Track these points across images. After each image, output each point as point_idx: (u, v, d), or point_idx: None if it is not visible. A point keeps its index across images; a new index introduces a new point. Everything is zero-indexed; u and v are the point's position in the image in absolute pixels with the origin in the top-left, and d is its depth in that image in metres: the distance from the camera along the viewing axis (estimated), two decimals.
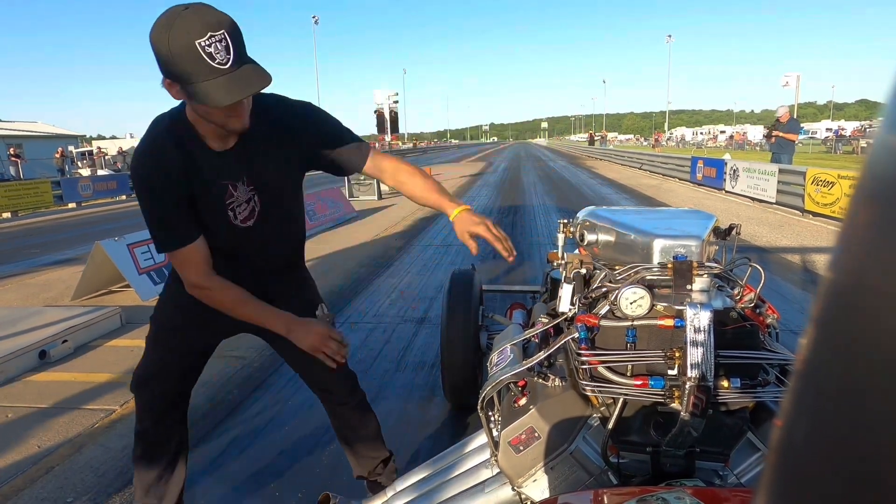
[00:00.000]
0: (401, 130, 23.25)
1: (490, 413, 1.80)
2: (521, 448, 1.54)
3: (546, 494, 1.51)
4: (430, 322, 4.51)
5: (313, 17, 40.17)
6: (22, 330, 4.06)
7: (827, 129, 51.48)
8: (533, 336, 1.94)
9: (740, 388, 1.42)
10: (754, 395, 1.44)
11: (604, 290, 1.71)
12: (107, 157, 30.99)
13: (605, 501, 1.03)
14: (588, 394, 1.52)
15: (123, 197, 17.41)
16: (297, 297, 1.82)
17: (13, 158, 23.53)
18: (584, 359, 1.50)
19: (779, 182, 10.38)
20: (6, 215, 13.68)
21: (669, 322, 1.46)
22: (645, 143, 70.71)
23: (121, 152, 31.96)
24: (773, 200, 10.55)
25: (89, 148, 35.78)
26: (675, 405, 1.42)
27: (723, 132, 64.65)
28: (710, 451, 1.48)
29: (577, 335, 1.55)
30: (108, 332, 4.40)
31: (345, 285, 5.80)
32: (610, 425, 1.46)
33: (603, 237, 2.05)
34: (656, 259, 1.73)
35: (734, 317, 1.55)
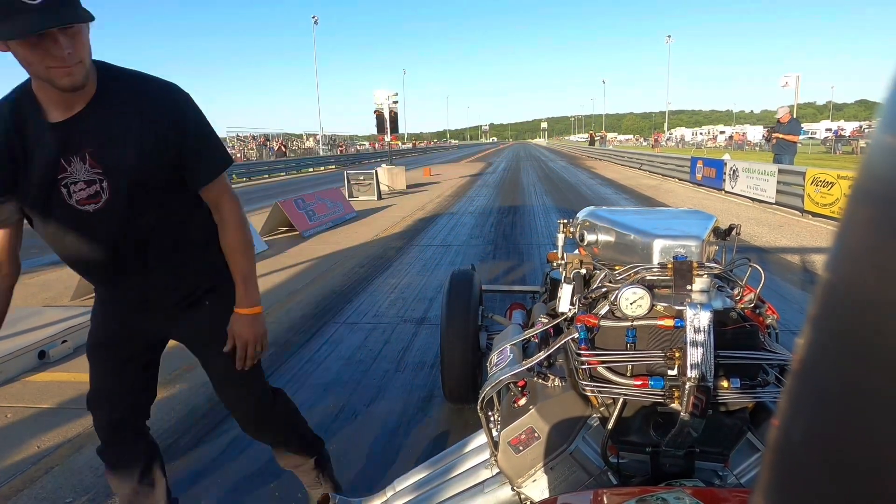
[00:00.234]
0: (400, 130, 23.27)
1: (490, 413, 1.80)
2: (521, 448, 1.54)
3: (546, 495, 1.51)
4: (430, 322, 4.51)
5: (313, 18, 40.20)
6: (21, 330, 4.06)
7: (826, 130, 51.53)
8: (533, 336, 1.94)
9: (740, 388, 1.42)
10: (754, 395, 1.44)
11: (604, 290, 1.71)
12: None
13: (605, 502, 1.03)
14: (588, 394, 1.52)
15: None
16: (178, 291, 1.69)
17: None
18: (583, 359, 1.50)
19: (778, 182, 10.39)
20: None
21: (669, 322, 1.46)
22: (644, 144, 70.73)
23: None
24: (773, 201, 10.55)
25: None
26: (675, 405, 1.42)
27: (722, 132, 64.68)
28: (710, 452, 1.48)
29: (576, 335, 1.55)
30: None
31: (344, 285, 5.80)
32: (610, 425, 1.47)
33: (603, 237, 2.05)
34: (656, 259, 1.73)
35: (734, 317, 1.55)
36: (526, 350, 1.96)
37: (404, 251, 7.48)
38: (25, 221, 1.61)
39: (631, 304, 1.51)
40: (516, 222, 9.67)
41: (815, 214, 9.07)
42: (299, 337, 4.29)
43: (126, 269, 1.59)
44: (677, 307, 1.49)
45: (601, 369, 1.49)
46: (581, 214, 2.40)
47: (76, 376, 3.65)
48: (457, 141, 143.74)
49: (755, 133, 52.57)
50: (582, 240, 2.13)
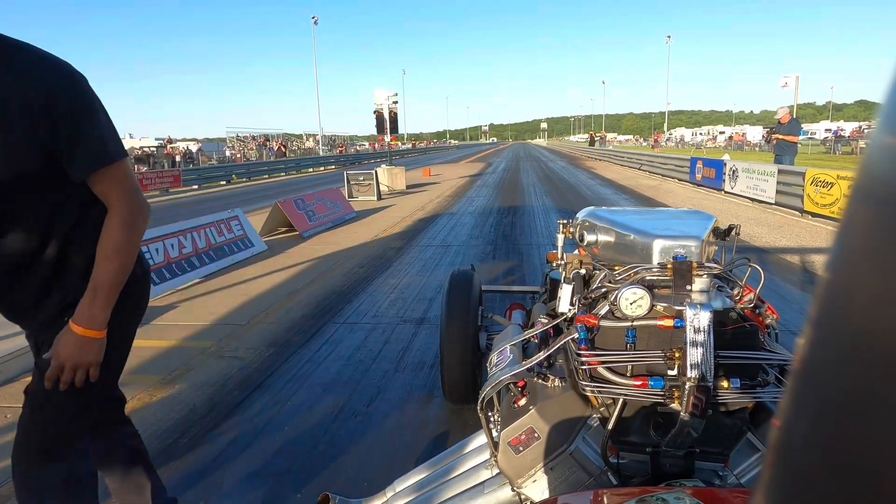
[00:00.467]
0: (400, 131, 23.25)
1: (490, 413, 1.80)
2: (521, 448, 1.54)
3: (546, 495, 1.51)
4: (430, 322, 4.51)
5: (313, 18, 40.20)
6: (21, 330, 4.05)
7: (826, 130, 51.55)
8: (532, 336, 1.94)
9: (740, 388, 1.42)
10: (754, 395, 1.44)
11: (603, 290, 1.72)
12: None
13: (605, 502, 1.03)
14: (588, 394, 1.52)
15: None
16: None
17: None
18: (583, 359, 1.51)
19: (778, 183, 10.39)
20: None
21: (669, 322, 1.46)
22: (644, 144, 70.76)
23: None
24: (773, 201, 10.55)
25: None
26: (675, 405, 1.42)
27: (722, 133, 64.68)
28: (710, 452, 1.48)
29: (576, 335, 1.55)
30: None
31: (344, 285, 5.80)
32: (610, 426, 1.47)
33: (602, 237, 2.05)
34: (656, 259, 1.73)
35: (734, 317, 1.55)
36: (526, 350, 1.96)
37: (404, 251, 7.48)
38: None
39: (631, 304, 1.51)
40: (516, 223, 9.67)
41: (814, 215, 9.08)
42: (299, 337, 4.29)
43: None
44: (677, 307, 1.49)
45: (601, 369, 1.49)
46: (581, 215, 2.40)
47: None
48: (456, 141, 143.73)
49: (755, 133, 52.58)
50: (582, 240, 2.14)
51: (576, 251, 2.41)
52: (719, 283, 1.74)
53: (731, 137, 55.56)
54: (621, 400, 1.46)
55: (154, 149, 33.30)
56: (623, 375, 1.48)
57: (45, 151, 1.31)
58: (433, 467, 1.99)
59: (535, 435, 1.54)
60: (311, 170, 30.59)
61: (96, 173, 1.38)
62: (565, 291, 1.98)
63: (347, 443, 2.78)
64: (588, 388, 1.49)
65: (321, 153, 40.42)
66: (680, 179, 16.77)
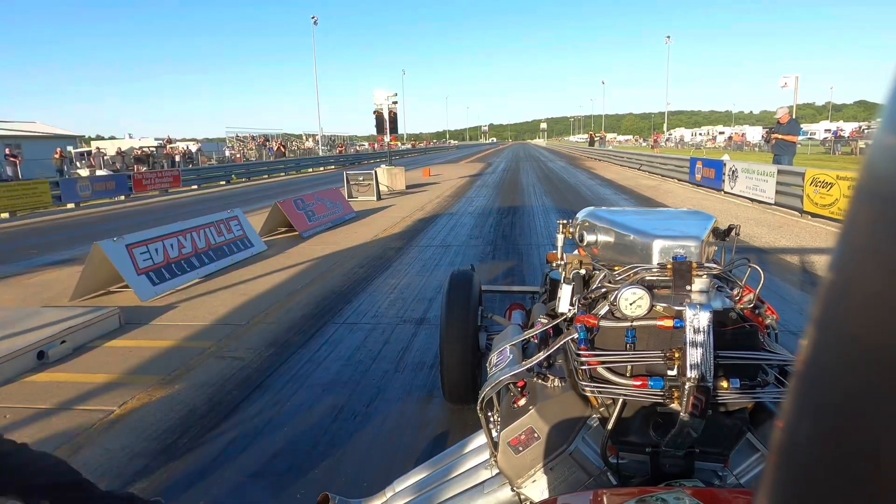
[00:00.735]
0: (400, 131, 23.24)
1: (489, 413, 1.80)
2: (521, 449, 1.54)
3: (545, 495, 1.51)
4: (430, 323, 4.51)
5: (312, 18, 40.19)
6: (20, 330, 4.05)
7: (826, 130, 51.55)
8: (532, 337, 1.94)
9: (740, 388, 1.42)
10: (754, 395, 1.44)
11: (603, 290, 1.72)
12: (105, 158, 30.97)
13: (605, 502, 1.03)
14: (587, 394, 1.52)
15: (122, 197, 17.42)
16: None
17: (11, 159, 23.51)
18: (583, 359, 1.51)
19: (778, 183, 10.39)
20: (4, 216, 13.67)
21: (669, 322, 1.46)
22: (644, 144, 70.79)
23: (119, 153, 31.97)
24: (772, 201, 10.56)
25: (88, 148, 35.76)
26: (675, 406, 1.42)
27: (721, 133, 64.66)
28: (710, 452, 1.48)
29: (576, 336, 1.55)
30: (107, 333, 4.39)
31: (344, 286, 5.80)
32: (609, 426, 1.47)
33: (602, 238, 2.05)
34: (655, 260, 1.73)
35: (733, 317, 1.55)
36: (525, 350, 1.96)
37: (404, 252, 7.48)
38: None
39: (630, 304, 1.51)
40: (516, 223, 9.68)
41: (814, 215, 9.08)
42: (299, 337, 4.29)
43: None
44: (677, 307, 1.49)
45: (601, 370, 1.49)
46: (580, 215, 2.40)
47: (75, 377, 3.64)
48: (456, 141, 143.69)
49: (754, 134, 52.59)
50: (581, 240, 2.14)
51: (576, 251, 2.41)
52: (719, 283, 1.74)
53: (730, 138, 55.57)
54: (621, 400, 1.46)
55: (154, 149, 33.30)
56: (623, 375, 1.48)
57: None
58: (433, 467, 1.99)
59: (535, 435, 1.54)
60: (310, 170, 30.59)
61: None
62: (565, 291, 1.98)
63: (347, 443, 2.78)
64: (588, 389, 1.49)
65: (321, 153, 40.43)
66: (679, 180, 16.77)
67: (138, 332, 4.41)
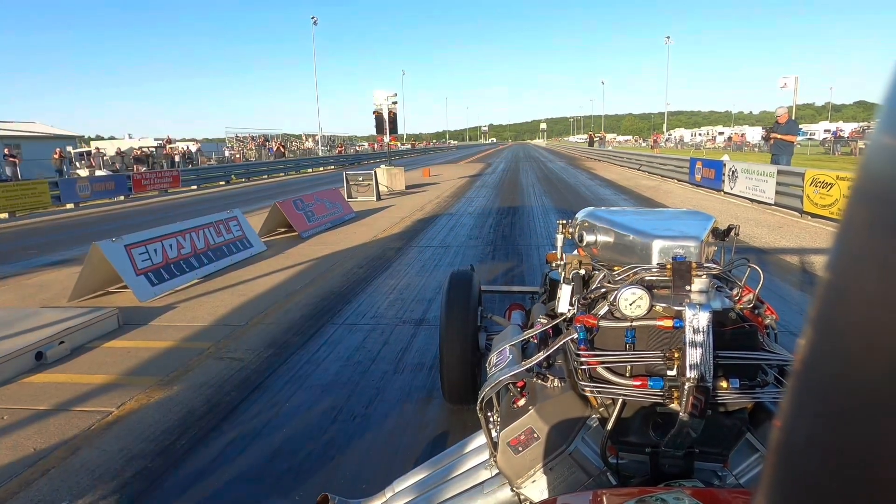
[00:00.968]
0: (399, 131, 23.23)
1: (489, 414, 1.80)
2: (521, 449, 1.54)
3: (545, 495, 1.51)
4: (429, 323, 4.51)
5: (312, 18, 40.19)
6: (18, 331, 4.05)
7: (825, 131, 51.59)
8: (532, 337, 1.94)
9: (739, 388, 1.42)
10: (753, 395, 1.44)
11: (603, 290, 1.72)
12: (105, 158, 30.98)
13: (605, 502, 1.03)
14: (587, 394, 1.52)
15: (122, 197, 17.41)
16: None
17: (10, 159, 23.50)
18: (583, 359, 1.50)
19: (777, 183, 10.40)
20: (4, 216, 13.66)
21: (668, 323, 1.46)
22: (643, 145, 70.79)
23: (119, 153, 31.98)
24: (772, 202, 10.56)
25: (87, 148, 35.77)
26: (674, 406, 1.42)
27: (721, 133, 64.71)
28: (709, 452, 1.48)
29: (576, 336, 1.55)
30: (106, 334, 4.39)
31: (343, 286, 5.80)
32: (609, 426, 1.46)
33: (602, 238, 2.05)
34: (655, 260, 1.73)
35: (733, 318, 1.55)
36: (525, 351, 1.96)
37: (403, 252, 7.48)
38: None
39: (630, 304, 1.51)
40: (515, 223, 9.67)
41: (814, 215, 9.09)
42: (298, 338, 4.29)
43: None
44: (676, 308, 1.49)
45: (600, 370, 1.49)
46: (580, 215, 2.40)
47: (73, 378, 3.64)
48: (455, 142, 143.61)
49: (754, 134, 52.60)
50: (581, 240, 2.14)
51: (575, 251, 2.41)
52: (718, 283, 1.74)
53: (730, 138, 55.62)
54: (620, 400, 1.46)
55: (153, 149, 33.29)
56: (622, 376, 1.48)
57: None
58: (432, 467, 1.99)
59: (535, 435, 1.54)
60: (310, 170, 30.59)
61: None
62: (565, 292, 1.98)
63: (346, 445, 2.78)
64: (587, 389, 1.49)
65: (320, 153, 40.43)
66: (679, 180, 16.78)
67: (137, 333, 4.41)
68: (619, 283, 1.63)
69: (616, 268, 1.83)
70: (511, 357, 1.82)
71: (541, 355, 1.67)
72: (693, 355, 1.39)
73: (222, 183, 22.89)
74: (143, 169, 24.58)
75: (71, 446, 2.82)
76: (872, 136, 0.24)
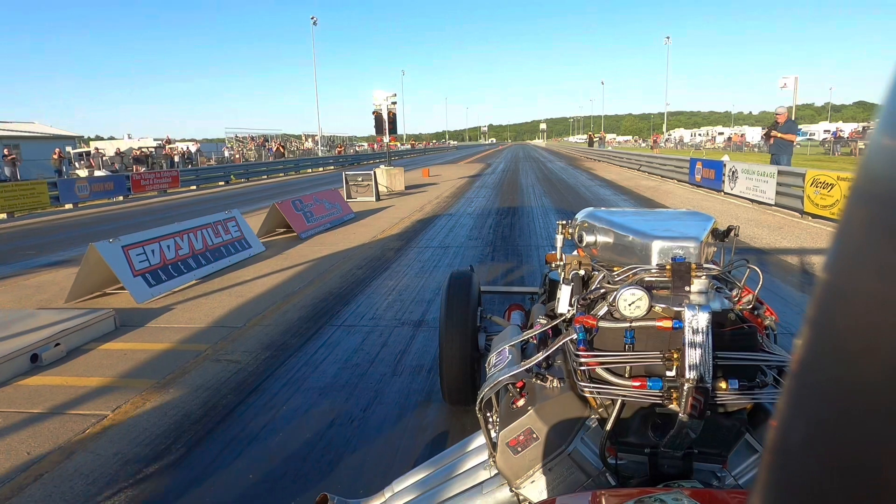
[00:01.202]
0: (399, 132, 23.26)
1: (488, 414, 1.79)
2: (520, 449, 1.54)
3: (544, 495, 1.50)
4: (428, 325, 4.51)
5: (312, 19, 40.23)
6: (14, 333, 4.04)
7: (825, 131, 51.68)
8: (531, 337, 1.93)
9: (738, 389, 1.42)
10: (752, 396, 1.44)
11: (602, 291, 1.71)
12: (104, 158, 30.98)
13: (604, 503, 1.03)
14: (586, 395, 1.51)
15: (121, 198, 17.41)
16: None
17: (9, 159, 23.51)
18: (582, 360, 1.50)
19: (778, 184, 10.41)
20: (2, 216, 13.66)
21: (668, 323, 1.46)
22: (643, 145, 70.87)
23: (118, 153, 31.98)
24: (772, 202, 10.57)
25: (87, 149, 35.76)
26: (674, 406, 1.41)
27: (721, 134, 64.81)
28: (708, 453, 1.48)
29: (575, 336, 1.55)
30: (102, 335, 4.38)
31: (342, 287, 5.79)
32: (608, 426, 1.46)
33: (601, 238, 2.05)
34: (655, 260, 1.73)
35: (732, 318, 1.55)
36: (524, 351, 1.96)
37: (403, 253, 7.48)
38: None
39: (629, 305, 1.51)
40: (515, 224, 9.68)
41: (814, 216, 9.09)
42: (296, 340, 4.28)
43: None
44: (676, 308, 1.49)
45: (600, 370, 1.49)
46: (580, 215, 2.40)
47: (69, 380, 3.63)
48: (455, 142, 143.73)
49: (754, 134, 52.69)
50: (581, 241, 2.14)
51: (575, 252, 2.41)
52: (718, 284, 1.73)
53: (730, 138, 55.71)
54: (620, 401, 1.46)
55: (153, 149, 33.30)
56: (621, 376, 1.48)
57: None
58: (432, 468, 1.99)
59: (534, 436, 1.53)
60: (309, 170, 30.60)
61: None
62: (564, 292, 1.98)
63: (344, 448, 2.77)
64: (587, 389, 1.49)
65: (320, 154, 40.46)
66: (679, 180, 16.79)
67: (134, 335, 4.40)
68: (619, 284, 1.63)
69: (616, 268, 1.83)
70: (510, 357, 1.81)
71: (540, 356, 1.67)
72: (692, 356, 1.39)
73: (222, 183, 22.90)
74: (143, 169, 24.58)
75: (65, 450, 2.80)
76: (872, 137, 0.23)
